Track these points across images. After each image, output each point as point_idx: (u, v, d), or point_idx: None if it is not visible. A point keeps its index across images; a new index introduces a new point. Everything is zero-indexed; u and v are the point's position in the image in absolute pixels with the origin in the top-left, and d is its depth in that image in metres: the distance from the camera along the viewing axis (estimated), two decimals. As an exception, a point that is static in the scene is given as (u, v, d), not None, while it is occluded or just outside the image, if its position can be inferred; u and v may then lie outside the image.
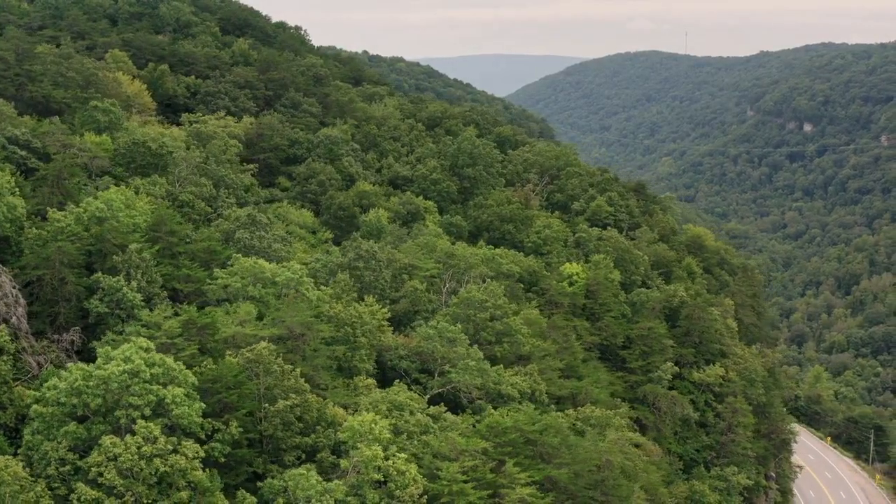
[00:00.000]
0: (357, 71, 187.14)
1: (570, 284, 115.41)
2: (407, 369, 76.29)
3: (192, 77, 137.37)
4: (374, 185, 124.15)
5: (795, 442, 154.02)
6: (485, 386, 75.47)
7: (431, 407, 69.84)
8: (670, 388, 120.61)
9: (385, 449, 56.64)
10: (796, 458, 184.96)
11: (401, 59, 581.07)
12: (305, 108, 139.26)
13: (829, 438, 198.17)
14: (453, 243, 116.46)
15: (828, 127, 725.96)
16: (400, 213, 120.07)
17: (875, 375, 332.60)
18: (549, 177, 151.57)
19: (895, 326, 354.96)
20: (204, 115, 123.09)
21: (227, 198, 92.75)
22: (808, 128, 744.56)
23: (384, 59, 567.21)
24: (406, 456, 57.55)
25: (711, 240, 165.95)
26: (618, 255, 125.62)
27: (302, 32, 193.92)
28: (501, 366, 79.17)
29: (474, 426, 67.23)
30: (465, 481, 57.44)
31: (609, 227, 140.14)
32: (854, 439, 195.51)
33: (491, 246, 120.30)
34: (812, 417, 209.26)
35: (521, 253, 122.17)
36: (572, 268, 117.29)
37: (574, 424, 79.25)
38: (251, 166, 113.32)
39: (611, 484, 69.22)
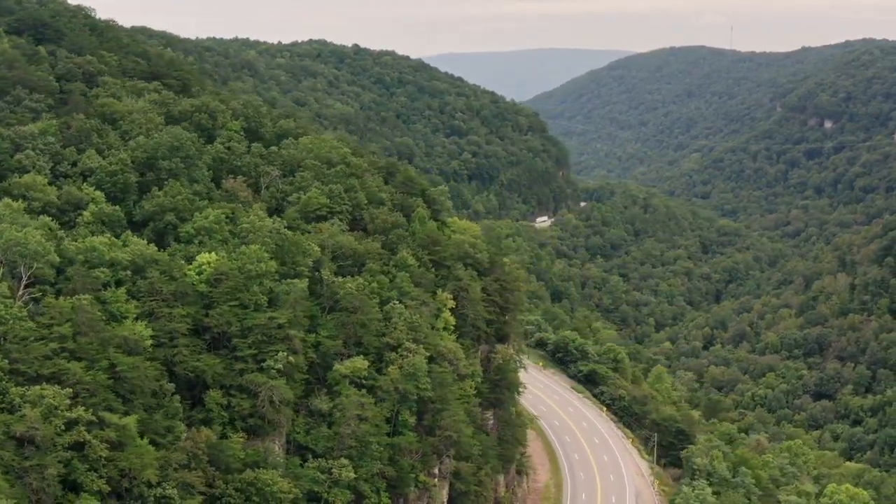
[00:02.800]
0: (159, 67, 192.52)
1: (199, 274, 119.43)
2: None
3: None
4: (47, 177, 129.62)
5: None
6: None
7: None
8: (317, 379, 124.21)
9: None
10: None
11: (388, 54, 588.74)
12: (27, 105, 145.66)
13: (632, 440, 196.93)
14: (94, 234, 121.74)
15: (847, 124, 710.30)
16: (54, 203, 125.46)
17: (798, 378, 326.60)
18: (282, 170, 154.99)
19: (832, 328, 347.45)
20: None
21: None
22: (828, 125, 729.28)
23: (371, 52, 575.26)
24: None
25: (471, 235, 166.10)
26: (279, 246, 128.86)
27: (115, 31, 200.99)
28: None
29: None
30: None
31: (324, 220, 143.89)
32: (658, 443, 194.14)
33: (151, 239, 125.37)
34: (633, 417, 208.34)
35: (179, 244, 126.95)
36: (205, 257, 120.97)
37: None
38: None
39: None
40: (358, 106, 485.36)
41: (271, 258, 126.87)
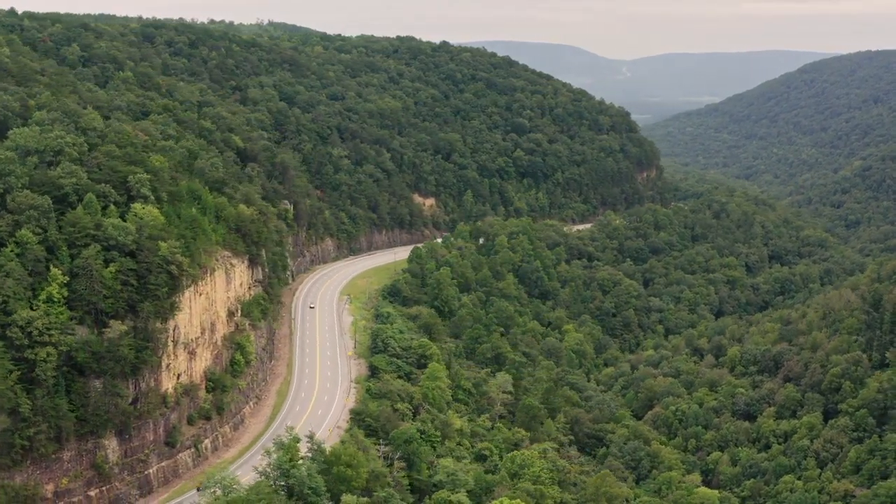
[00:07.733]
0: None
1: None
2: None
3: None
4: None
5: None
6: None
7: None
8: None
9: None
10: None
11: (467, 50, 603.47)
12: None
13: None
14: None
15: None
16: None
17: (731, 395, 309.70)
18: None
19: (796, 346, 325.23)
20: None
21: None
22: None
23: (451, 48, 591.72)
24: None
25: (141, 223, 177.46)
26: None
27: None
28: None
29: None
30: None
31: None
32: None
33: None
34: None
35: None
36: None
37: None
38: None
39: None
40: (412, 102, 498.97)
41: None
